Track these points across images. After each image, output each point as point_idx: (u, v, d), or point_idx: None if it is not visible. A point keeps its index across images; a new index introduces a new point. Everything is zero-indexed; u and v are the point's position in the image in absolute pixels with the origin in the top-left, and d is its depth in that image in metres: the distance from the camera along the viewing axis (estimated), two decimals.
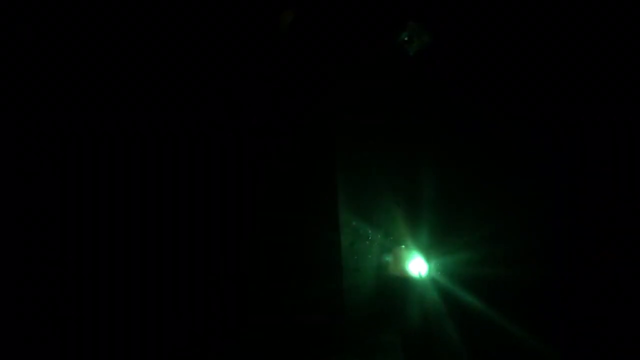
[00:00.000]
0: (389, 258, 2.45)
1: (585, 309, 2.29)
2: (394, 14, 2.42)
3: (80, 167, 2.39)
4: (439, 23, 2.41)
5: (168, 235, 2.39)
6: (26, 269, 2.28)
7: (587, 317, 2.28)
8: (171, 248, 2.39)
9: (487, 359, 2.33)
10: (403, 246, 2.44)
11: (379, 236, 2.45)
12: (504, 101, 2.40)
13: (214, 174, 2.46)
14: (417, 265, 2.40)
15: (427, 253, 2.41)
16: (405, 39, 2.42)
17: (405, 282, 2.42)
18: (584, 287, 2.30)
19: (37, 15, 2.32)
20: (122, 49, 2.40)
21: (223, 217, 2.44)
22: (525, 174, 2.40)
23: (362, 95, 2.48)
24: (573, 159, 2.36)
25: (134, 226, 2.38)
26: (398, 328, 2.39)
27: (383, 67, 2.49)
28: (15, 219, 2.29)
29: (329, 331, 2.35)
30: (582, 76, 2.33)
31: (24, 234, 2.30)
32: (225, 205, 2.44)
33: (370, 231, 2.44)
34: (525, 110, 2.38)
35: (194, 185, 2.45)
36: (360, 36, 2.45)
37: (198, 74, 2.46)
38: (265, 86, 2.49)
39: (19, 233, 2.29)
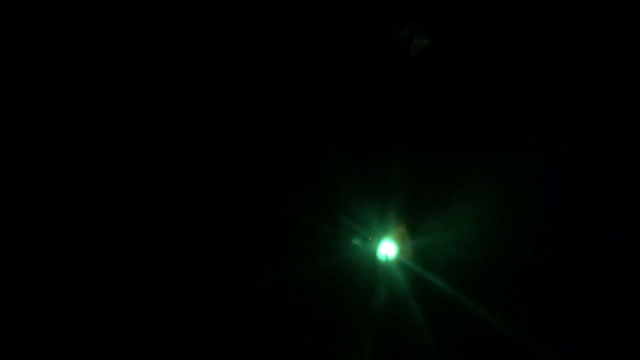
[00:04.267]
0: (359, 242, 2.48)
1: (558, 292, 2.31)
2: (394, 14, 2.42)
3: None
4: (439, 23, 2.41)
5: (167, 228, 2.42)
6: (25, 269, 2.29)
7: (561, 300, 2.30)
8: (167, 243, 2.42)
9: (455, 341, 2.34)
10: (373, 231, 2.46)
11: (352, 223, 2.48)
12: (500, 99, 2.42)
13: (209, 167, 2.48)
14: (385, 249, 2.43)
15: (397, 237, 2.44)
16: (405, 39, 2.42)
17: (375, 266, 2.45)
18: (556, 271, 2.32)
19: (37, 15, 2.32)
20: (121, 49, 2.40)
21: (218, 212, 2.47)
22: (507, 167, 2.42)
23: (360, 93, 2.50)
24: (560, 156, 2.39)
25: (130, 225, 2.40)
26: (368, 310, 2.42)
27: (382, 66, 2.50)
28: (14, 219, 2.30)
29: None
30: (581, 77, 2.33)
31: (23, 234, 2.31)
32: (219, 201, 2.47)
33: (343, 216, 2.48)
34: (520, 108, 2.40)
35: (193, 184, 2.46)
36: (360, 35, 2.45)
37: (198, 70, 2.47)
38: (265, 82, 2.50)
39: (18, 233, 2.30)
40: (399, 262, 2.43)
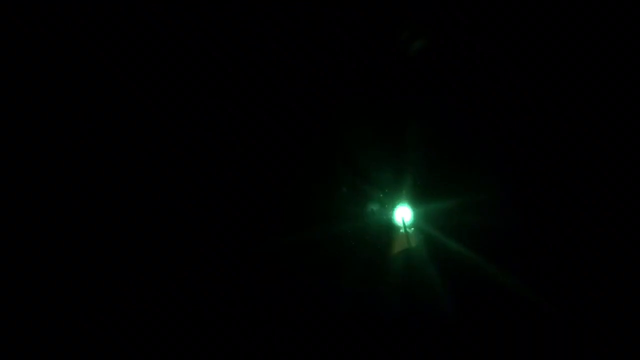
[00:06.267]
0: (376, 207, 2.58)
1: (558, 253, 2.43)
2: (394, 14, 2.43)
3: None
4: (439, 23, 2.41)
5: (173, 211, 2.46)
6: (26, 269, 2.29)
7: (561, 261, 2.42)
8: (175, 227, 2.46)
9: (467, 301, 2.47)
10: (390, 196, 2.56)
11: (370, 188, 2.57)
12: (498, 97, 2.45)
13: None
14: (402, 213, 2.54)
15: (413, 202, 2.55)
16: (405, 39, 2.43)
17: (391, 230, 2.56)
18: (559, 234, 2.44)
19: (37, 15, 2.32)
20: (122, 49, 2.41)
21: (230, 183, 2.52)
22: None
23: (362, 85, 2.53)
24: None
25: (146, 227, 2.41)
26: (387, 271, 2.54)
27: (383, 65, 2.52)
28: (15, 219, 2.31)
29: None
30: (586, 78, 2.34)
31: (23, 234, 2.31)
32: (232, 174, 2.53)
33: (362, 184, 2.57)
34: (515, 104, 2.44)
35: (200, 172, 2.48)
36: (361, 35, 2.46)
37: (208, 74, 2.48)
38: (269, 79, 2.52)
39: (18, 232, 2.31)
40: (415, 226, 2.53)
